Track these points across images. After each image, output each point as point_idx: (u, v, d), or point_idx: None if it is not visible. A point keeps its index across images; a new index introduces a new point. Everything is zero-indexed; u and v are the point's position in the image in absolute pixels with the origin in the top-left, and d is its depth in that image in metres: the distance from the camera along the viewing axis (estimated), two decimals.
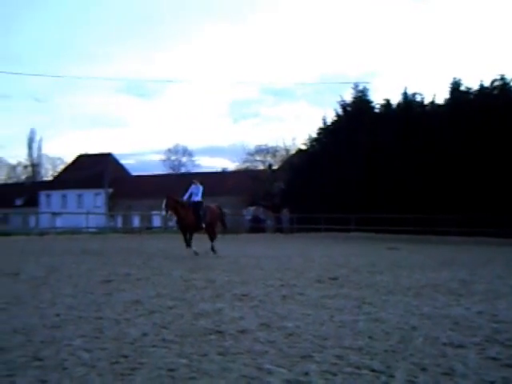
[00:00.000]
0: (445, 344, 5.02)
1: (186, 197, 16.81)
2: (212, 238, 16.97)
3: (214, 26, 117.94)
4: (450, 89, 38.11)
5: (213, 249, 16.55)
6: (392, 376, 4.01)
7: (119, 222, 51.94)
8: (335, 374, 4.04)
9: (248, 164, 61.98)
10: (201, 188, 16.77)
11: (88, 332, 5.44)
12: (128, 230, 43.62)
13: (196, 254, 15.83)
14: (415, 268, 12.74)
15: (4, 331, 5.47)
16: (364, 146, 37.67)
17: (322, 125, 44.06)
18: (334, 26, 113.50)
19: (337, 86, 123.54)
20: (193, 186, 16.87)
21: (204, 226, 16.60)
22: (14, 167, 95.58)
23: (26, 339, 5.12)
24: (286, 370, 4.14)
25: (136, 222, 56.78)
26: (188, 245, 16.17)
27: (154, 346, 4.86)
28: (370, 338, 5.24)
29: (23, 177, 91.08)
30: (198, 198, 16.57)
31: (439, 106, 38.36)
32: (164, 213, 16.21)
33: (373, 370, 4.14)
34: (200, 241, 16.93)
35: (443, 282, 9.97)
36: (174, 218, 16.72)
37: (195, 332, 5.44)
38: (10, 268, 11.71)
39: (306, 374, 4.05)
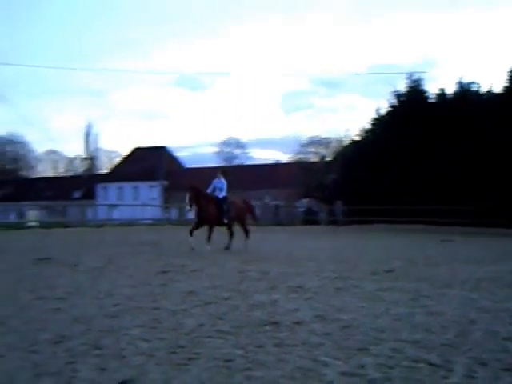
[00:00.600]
0: (505, 339, 4.91)
1: (209, 191, 15.76)
2: (246, 233, 16.07)
3: (265, 17, 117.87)
4: (507, 77, 37.07)
5: (228, 247, 15.41)
6: (450, 370, 3.95)
7: (174, 214, 52.43)
8: (392, 368, 4.00)
9: (301, 156, 61.84)
10: (225, 183, 15.73)
11: (145, 322, 5.54)
12: (183, 221, 44.11)
13: (192, 249, 14.27)
14: (471, 261, 12.48)
15: (65, 320, 5.63)
16: (418, 136, 37.02)
17: (375, 115, 43.53)
18: (386, 15, 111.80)
19: (390, 76, 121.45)
20: (216, 181, 15.84)
21: (227, 221, 15.50)
22: (71, 160, 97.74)
23: (86, 328, 5.26)
24: (341, 363, 4.13)
25: (191, 214, 57.38)
26: (191, 235, 14.79)
27: (209, 337, 4.92)
28: (426, 331, 5.18)
29: (80, 170, 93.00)
30: (223, 193, 15.58)
31: (496, 95, 37.36)
32: (188, 207, 15.25)
33: (430, 364, 4.09)
34: (236, 237, 16.92)
35: (501, 275, 9.73)
36: (195, 209, 15.38)
37: (251, 323, 5.48)
38: (69, 259, 12.01)
39: (362, 366, 4.03)
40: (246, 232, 16.14)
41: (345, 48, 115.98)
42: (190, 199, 14.88)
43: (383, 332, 5.11)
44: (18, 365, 4.07)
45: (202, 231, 15.25)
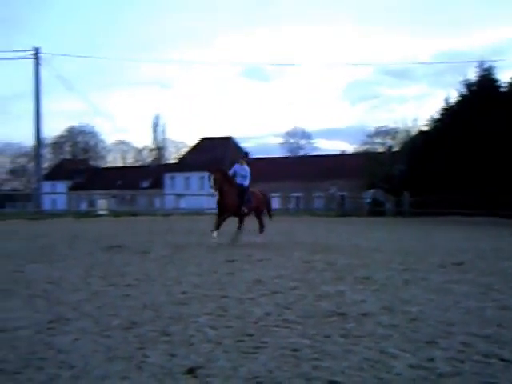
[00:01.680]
0: None
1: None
2: (262, 226, 14.91)
3: (331, 7, 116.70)
4: None
5: (235, 240, 14.05)
6: None
7: None
8: (462, 362, 3.92)
9: (367, 146, 61.12)
10: (248, 170, 14.27)
11: (213, 310, 5.61)
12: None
13: (216, 244, 12.90)
14: None
15: (136, 307, 5.77)
16: (489, 126, 35.99)
17: (444, 105, 42.62)
18: (456, 2, 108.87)
19: (460, 65, 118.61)
20: (237, 166, 14.30)
21: (246, 211, 14.15)
22: (140, 151, 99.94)
23: (156, 315, 5.37)
24: (410, 355, 4.07)
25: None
26: (217, 228, 13.38)
27: (276, 326, 4.94)
28: (498, 326, 5.04)
29: (149, 160, 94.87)
30: (247, 182, 14.12)
31: None
32: (213, 191, 13.35)
33: (502, 360, 3.98)
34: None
35: None
36: (216, 197, 13.51)
37: (317, 313, 5.47)
38: (138, 247, 12.30)
39: (431, 359, 3.97)
40: (262, 225, 14.98)
41: (414, 36, 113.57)
42: (216, 182, 13.27)
43: (452, 325, 5.02)
44: (92, 348, 4.20)
45: (232, 221, 14.37)
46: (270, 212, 15.95)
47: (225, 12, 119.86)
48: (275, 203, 59.27)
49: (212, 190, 13.38)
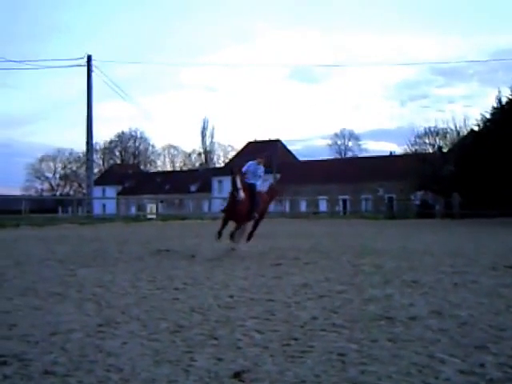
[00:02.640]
0: None
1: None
2: (253, 229, 13.09)
3: (380, 6, 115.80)
4: None
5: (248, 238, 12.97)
6: None
7: (287, 207, 52.78)
8: None
9: (416, 147, 60.35)
10: (263, 171, 12.59)
11: (260, 314, 5.62)
12: (295, 214, 44.29)
13: (233, 249, 12.19)
14: None
15: (183, 310, 5.82)
16: None
17: (496, 104, 41.77)
18: None
19: (511, 62, 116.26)
20: (252, 164, 12.44)
21: (257, 216, 12.51)
22: (188, 155, 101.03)
23: (203, 318, 5.41)
24: (459, 360, 4.00)
25: (303, 206, 57.58)
26: (219, 236, 12.21)
27: (323, 330, 4.92)
28: None
29: (197, 164, 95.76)
30: (259, 182, 12.37)
31: None
32: (240, 195, 11.66)
33: None
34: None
35: None
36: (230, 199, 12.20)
37: (365, 317, 5.43)
38: (186, 250, 12.42)
39: (482, 365, 3.89)
40: (255, 228, 13.14)
41: (464, 35, 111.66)
42: (239, 186, 11.75)
43: (504, 330, 4.91)
44: (140, 351, 4.26)
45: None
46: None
47: (271, 13, 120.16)
48: (323, 206, 59.21)
49: (236, 193, 11.69)
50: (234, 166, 12.90)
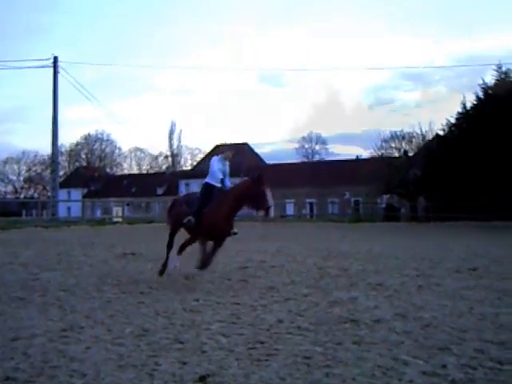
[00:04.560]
0: None
1: (219, 176, 8.81)
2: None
3: (348, 12, 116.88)
4: None
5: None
6: None
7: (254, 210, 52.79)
8: (475, 368, 3.90)
9: (383, 151, 60.78)
10: (227, 166, 9.23)
11: (225, 317, 5.62)
12: (262, 217, 44.35)
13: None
14: None
15: (148, 314, 5.79)
16: (507, 131, 35.70)
17: (461, 109, 42.37)
18: (472, 4, 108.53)
19: (477, 68, 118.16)
20: (216, 158, 9.25)
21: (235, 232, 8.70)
22: (155, 158, 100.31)
23: (168, 322, 5.40)
24: (422, 362, 4.06)
25: (271, 210, 57.65)
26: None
27: (289, 333, 4.94)
28: None
29: (164, 167, 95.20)
30: (228, 183, 9.05)
31: None
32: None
33: None
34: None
35: None
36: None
37: (330, 320, 5.46)
38: (153, 254, 12.30)
39: (444, 366, 3.95)
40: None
41: (429, 40, 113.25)
42: None
43: (466, 332, 4.98)
44: (104, 356, 4.22)
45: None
46: None
47: (240, 17, 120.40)
48: (290, 209, 59.35)
49: None
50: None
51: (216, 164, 9.17)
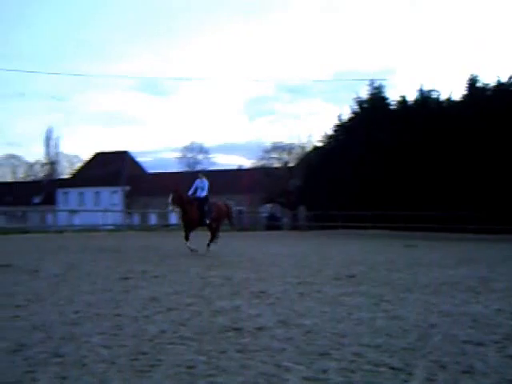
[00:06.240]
0: (464, 342, 4.98)
1: (191, 192, 16.48)
2: (213, 236, 16.69)
3: (228, 23, 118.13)
4: (467, 85, 37.85)
5: (208, 245, 16.35)
6: (411, 374, 3.99)
7: (136, 220, 52.03)
8: (354, 372, 4.03)
9: (264, 161, 61.74)
10: (206, 183, 16.42)
11: (107, 329, 5.47)
12: (145, 227, 43.77)
13: (192, 250, 15.39)
14: (433, 265, 12.66)
15: (24, 328, 5.52)
16: (380, 143, 37.44)
17: (337, 122, 43.95)
18: (348, 22, 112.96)
19: (352, 83, 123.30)
20: (198, 181, 16.58)
21: (208, 222, 16.24)
22: (31, 165, 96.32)
23: (46, 336, 5.17)
24: (304, 368, 4.13)
25: (153, 219, 56.98)
26: (187, 239, 15.75)
27: (172, 343, 4.88)
28: (388, 335, 5.22)
29: (41, 175, 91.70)
30: (204, 193, 16.25)
31: (456, 102, 38.06)
32: (171, 208, 15.92)
33: (392, 368, 4.12)
34: (202, 238, 16.89)
35: (462, 280, 9.90)
36: (179, 214, 16.49)
37: (213, 329, 5.45)
38: (29, 265, 11.81)
39: (325, 371, 4.04)
40: (214, 236, 16.63)
41: (309, 54, 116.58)
42: (173, 201, 15.47)
43: (345, 337, 5.14)
44: None
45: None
46: (231, 220, 18.90)
47: (120, 24, 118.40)
48: (173, 219, 58.91)
49: (170, 207, 15.79)
50: (173, 187, 16.37)
51: (196, 184, 16.44)
